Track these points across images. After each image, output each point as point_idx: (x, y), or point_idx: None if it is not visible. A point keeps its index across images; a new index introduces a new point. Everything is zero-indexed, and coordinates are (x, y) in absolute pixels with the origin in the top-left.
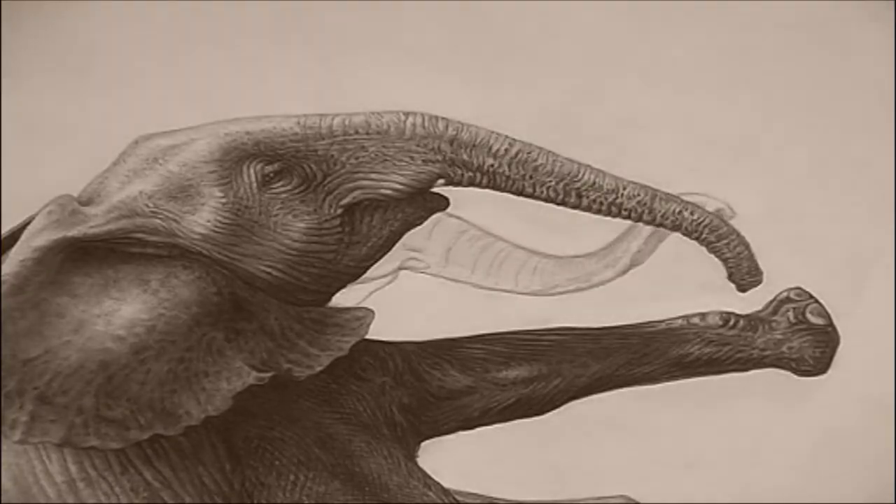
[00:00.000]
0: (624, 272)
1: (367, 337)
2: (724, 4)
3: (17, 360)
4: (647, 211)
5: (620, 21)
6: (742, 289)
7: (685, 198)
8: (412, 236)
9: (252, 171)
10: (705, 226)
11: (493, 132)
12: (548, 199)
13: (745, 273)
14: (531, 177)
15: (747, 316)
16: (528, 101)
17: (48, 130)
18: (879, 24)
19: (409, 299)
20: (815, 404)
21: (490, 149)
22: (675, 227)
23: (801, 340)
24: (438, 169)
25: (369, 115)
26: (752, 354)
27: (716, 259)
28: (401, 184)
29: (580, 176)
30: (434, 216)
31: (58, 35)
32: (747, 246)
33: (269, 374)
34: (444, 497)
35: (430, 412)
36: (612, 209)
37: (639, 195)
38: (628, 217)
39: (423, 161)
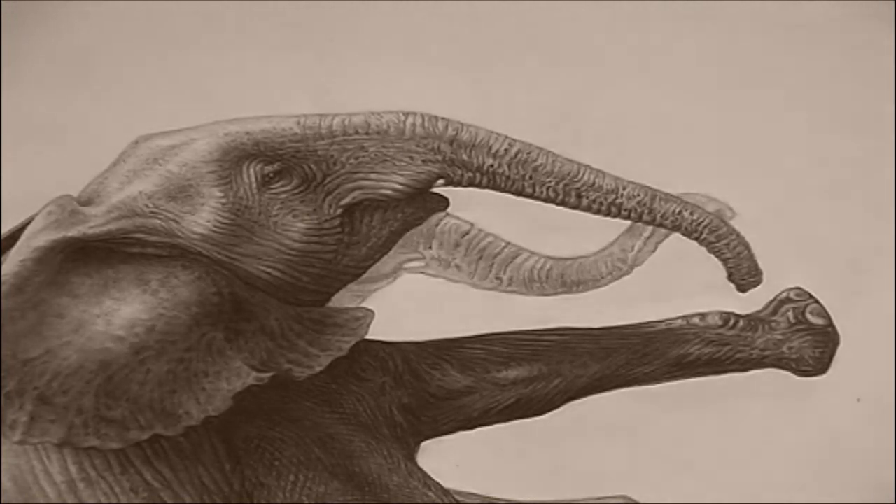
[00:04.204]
0: (624, 273)
1: (367, 337)
2: (724, 4)
3: (17, 361)
4: (646, 211)
5: (620, 21)
6: (742, 289)
7: (685, 198)
8: (412, 236)
9: (252, 171)
10: (705, 226)
11: (493, 132)
12: (548, 199)
13: (745, 273)
14: (531, 177)
15: (747, 316)
16: (528, 101)
17: (48, 130)
18: (880, 23)
19: (409, 299)
20: (815, 404)
21: (490, 149)
22: (675, 227)
23: (800, 340)
24: (438, 169)
25: (369, 115)
26: (752, 354)
27: (716, 259)
28: (401, 184)
29: (580, 176)
30: (434, 217)
31: (58, 35)
32: (747, 246)
33: (268, 375)
34: (444, 497)
35: (430, 412)
36: (612, 209)
37: (639, 195)
38: (628, 217)
39: (423, 161)
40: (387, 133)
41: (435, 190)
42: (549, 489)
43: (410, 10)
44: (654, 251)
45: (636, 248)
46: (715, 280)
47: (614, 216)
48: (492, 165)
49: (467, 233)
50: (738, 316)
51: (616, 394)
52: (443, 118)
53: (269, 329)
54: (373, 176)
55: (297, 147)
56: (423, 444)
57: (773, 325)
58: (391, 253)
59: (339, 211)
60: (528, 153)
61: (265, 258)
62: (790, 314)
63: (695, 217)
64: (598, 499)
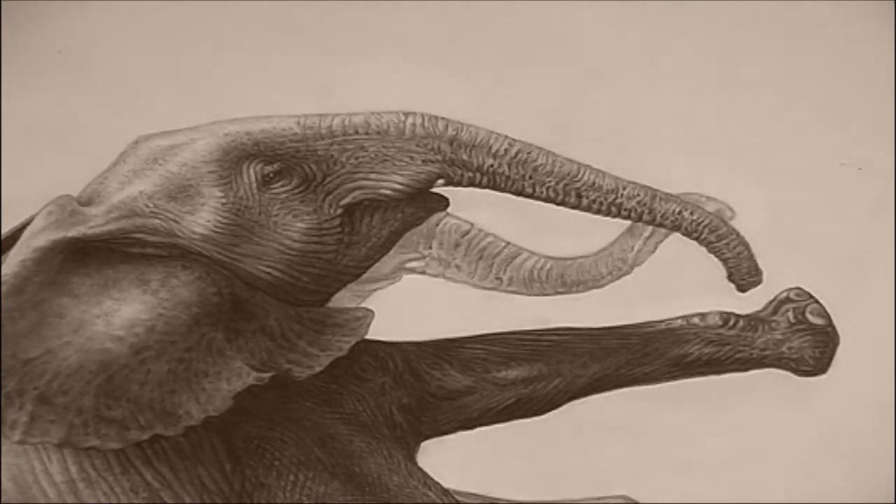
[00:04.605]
0: (624, 273)
1: (367, 337)
2: (724, 4)
3: (17, 361)
4: (646, 211)
5: (620, 21)
6: (742, 289)
7: (685, 198)
8: (412, 236)
9: (252, 171)
10: (705, 226)
11: (493, 132)
12: (548, 199)
13: (745, 273)
14: (531, 177)
15: (747, 316)
16: (528, 101)
17: (48, 131)
18: (879, 23)
19: (409, 299)
20: (815, 404)
21: (490, 149)
22: (675, 227)
23: (801, 340)
24: (438, 169)
25: (369, 115)
26: (752, 354)
27: (716, 259)
28: (400, 184)
29: (580, 176)
30: (434, 217)
31: (58, 35)
32: (747, 246)
33: (268, 375)
34: (444, 497)
35: (430, 412)
36: (612, 209)
37: (639, 195)
38: (628, 217)
39: (423, 161)
40: (387, 133)
41: (435, 190)
42: (550, 489)
43: (410, 11)
44: (654, 251)
45: (636, 248)
46: (715, 280)
47: (614, 216)
48: (492, 165)
49: (467, 233)
50: (738, 316)
51: (616, 394)
52: (443, 118)
53: (269, 329)
54: (373, 176)
55: (297, 147)
56: (423, 444)
57: (773, 325)
58: (391, 253)
59: (339, 211)
60: (528, 153)
61: (265, 258)
62: (790, 314)
63: (695, 217)
64: (598, 499)
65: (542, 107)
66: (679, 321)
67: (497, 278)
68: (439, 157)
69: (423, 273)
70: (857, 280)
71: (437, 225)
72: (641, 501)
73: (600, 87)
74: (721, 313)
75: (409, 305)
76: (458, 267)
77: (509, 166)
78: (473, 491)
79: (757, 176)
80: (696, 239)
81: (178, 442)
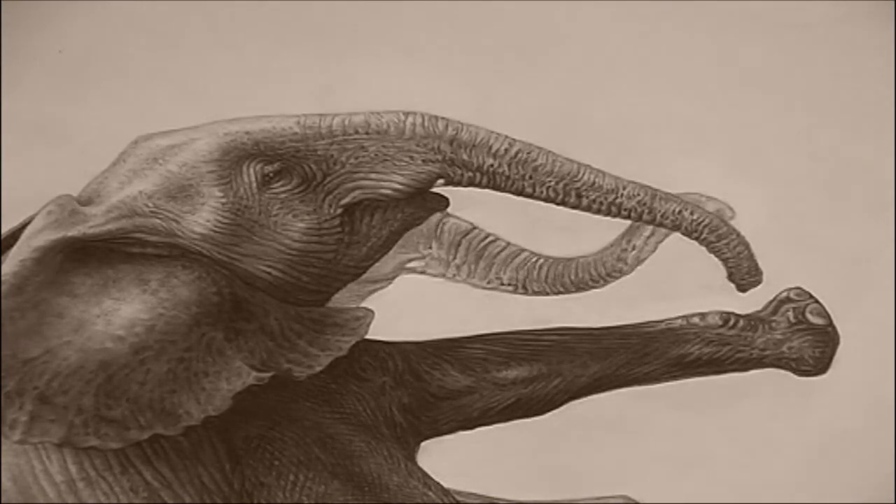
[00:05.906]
0: (625, 273)
1: (367, 337)
2: (725, 5)
3: (17, 360)
4: (647, 211)
5: (621, 21)
6: (742, 289)
7: (685, 198)
8: (412, 236)
9: (252, 171)
10: (705, 226)
11: (493, 132)
12: (548, 199)
13: (745, 273)
14: (531, 177)
15: (747, 316)
16: (528, 101)
17: (48, 131)
18: (879, 23)
19: (409, 299)
20: (815, 404)
21: (490, 149)
22: (675, 227)
23: (801, 340)
24: (438, 169)
25: (369, 115)
26: (752, 354)
27: (716, 259)
28: (401, 184)
29: (580, 176)
30: (434, 217)
31: (58, 35)
32: (747, 246)
33: (268, 374)
34: (443, 497)
35: (430, 412)
36: (612, 209)
37: (639, 195)
38: (628, 217)
39: (423, 161)
40: (387, 133)
41: (435, 190)
42: (549, 489)
43: (411, 11)
44: (654, 251)
45: (636, 248)
46: (715, 280)
47: (614, 216)
48: (492, 165)
49: (467, 233)
50: (738, 316)
51: (616, 394)
52: (443, 118)
53: (269, 329)
54: (373, 176)
55: (297, 147)
56: (423, 444)
57: (773, 324)
58: (391, 253)
59: (339, 211)
60: (528, 153)
61: (265, 258)
62: (790, 314)
63: (695, 217)
64: (598, 499)
65: (542, 107)
66: (679, 321)
67: (497, 278)
68: (439, 157)
69: (423, 273)
70: (857, 280)
71: (437, 225)
72: (641, 501)
73: (600, 87)
74: (721, 313)
75: (409, 305)
76: (458, 267)
77: (509, 166)
78: (473, 491)
79: (757, 176)
80: (696, 239)
81: (178, 442)
